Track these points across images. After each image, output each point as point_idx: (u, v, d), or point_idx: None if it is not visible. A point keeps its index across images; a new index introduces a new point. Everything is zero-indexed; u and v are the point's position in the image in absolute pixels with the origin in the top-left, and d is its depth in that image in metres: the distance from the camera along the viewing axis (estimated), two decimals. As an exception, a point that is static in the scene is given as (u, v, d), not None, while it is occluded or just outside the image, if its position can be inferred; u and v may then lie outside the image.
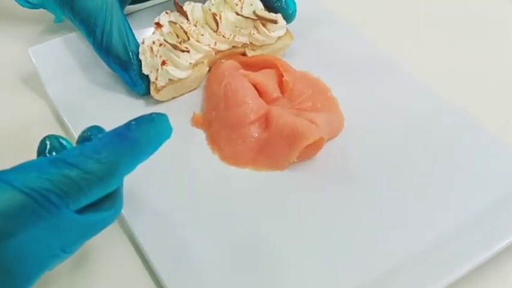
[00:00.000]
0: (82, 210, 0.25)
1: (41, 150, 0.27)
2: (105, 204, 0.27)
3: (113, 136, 0.26)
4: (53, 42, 0.44)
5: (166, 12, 0.42)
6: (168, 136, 0.28)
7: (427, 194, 0.36)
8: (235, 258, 0.32)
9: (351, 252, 0.33)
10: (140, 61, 0.40)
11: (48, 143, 0.27)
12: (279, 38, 0.44)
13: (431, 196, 0.36)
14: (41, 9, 0.46)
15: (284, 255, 0.33)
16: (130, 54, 0.40)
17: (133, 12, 0.47)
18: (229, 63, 0.42)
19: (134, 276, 0.33)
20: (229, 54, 0.43)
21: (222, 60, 0.43)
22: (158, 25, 0.41)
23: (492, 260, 0.32)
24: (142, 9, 0.47)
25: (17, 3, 0.46)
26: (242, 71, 0.42)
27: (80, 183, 0.24)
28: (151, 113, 0.28)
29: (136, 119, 0.27)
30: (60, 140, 0.27)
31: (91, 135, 0.28)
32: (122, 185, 0.28)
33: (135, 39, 0.41)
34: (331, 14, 0.50)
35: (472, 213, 0.34)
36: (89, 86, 0.42)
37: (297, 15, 0.44)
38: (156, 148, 0.28)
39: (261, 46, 0.44)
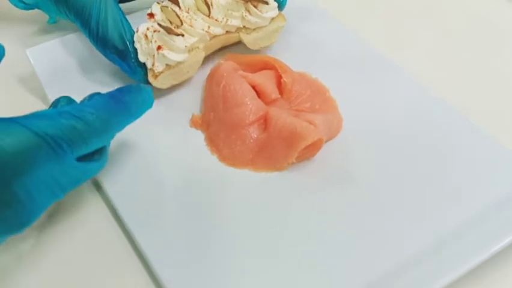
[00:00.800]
0: (77, 160, 0.29)
1: (54, 104, 0.33)
2: (94, 157, 0.31)
3: (108, 98, 0.31)
4: (51, 43, 0.45)
5: (158, 3, 0.42)
6: (150, 106, 0.33)
7: (426, 195, 0.36)
8: (234, 259, 0.32)
9: (349, 253, 0.33)
10: (136, 49, 0.40)
11: (61, 100, 0.33)
12: (272, 19, 0.44)
13: (430, 197, 0.36)
14: (39, 10, 0.46)
15: (282, 256, 0.33)
16: (127, 42, 0.40)
17: (129, 14, 0.47)
18: (228, 65, 0.42)
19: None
20: (228, 51, 0.43)
21: (221, 62, 0.43)
22: (150, 15, 0.41)
23: (491, 260, 0.32)
24: (139, 11, 0.47)
25: (13, 5, 0.46)
26: (241, 72, 0.42)
27: (83, 134, 0.28)
28: (139, 84, 0.33)
29: (127, 86, 0.32)
30: (71, 101, 0.33)
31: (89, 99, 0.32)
32: (109, 143, 0.33)
33: (131, 28, 0.41)
34: (329, 15, 0.50)
35: (471, 214, 0.35)
36: (87, 86, 0.42)
37: (296, 17, 0.44)
38: (140, 114, 0.33)
39: (255, 29, 0.44)
